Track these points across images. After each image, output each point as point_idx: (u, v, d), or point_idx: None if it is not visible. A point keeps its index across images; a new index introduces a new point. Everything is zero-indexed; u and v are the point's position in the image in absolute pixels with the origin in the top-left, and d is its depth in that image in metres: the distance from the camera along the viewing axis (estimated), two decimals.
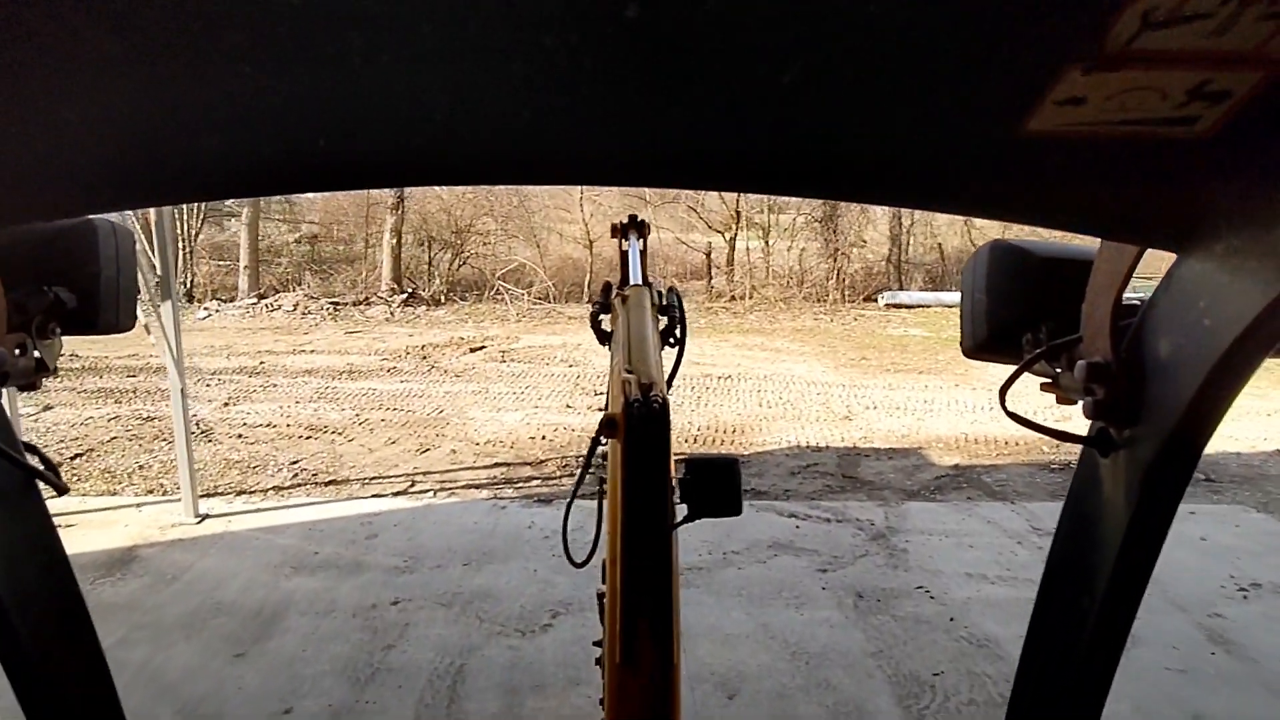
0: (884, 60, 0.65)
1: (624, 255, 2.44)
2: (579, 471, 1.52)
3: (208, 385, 12.35)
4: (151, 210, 6.98)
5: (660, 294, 2.04)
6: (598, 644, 1.57)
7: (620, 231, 2.59)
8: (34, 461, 1.21)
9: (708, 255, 23.07)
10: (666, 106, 0.72)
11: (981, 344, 1.15)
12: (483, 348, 15.85)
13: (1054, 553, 1.10)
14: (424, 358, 14.87)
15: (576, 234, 22.97)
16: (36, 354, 1.22)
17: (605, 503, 1.34)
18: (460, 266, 22.75)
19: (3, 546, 1.11)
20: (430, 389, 12.29)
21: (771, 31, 0.62)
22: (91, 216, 1.20)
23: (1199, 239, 0.83)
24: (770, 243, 23.33)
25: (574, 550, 1.70)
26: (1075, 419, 1.02)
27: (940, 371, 13.77)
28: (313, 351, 15.23)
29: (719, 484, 1.25)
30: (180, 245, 20.76)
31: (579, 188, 19.84)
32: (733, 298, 21.82)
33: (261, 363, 14.15)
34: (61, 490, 1.24)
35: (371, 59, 0.65)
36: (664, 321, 2.04)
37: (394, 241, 21.00)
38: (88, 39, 0.62)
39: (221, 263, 22.36)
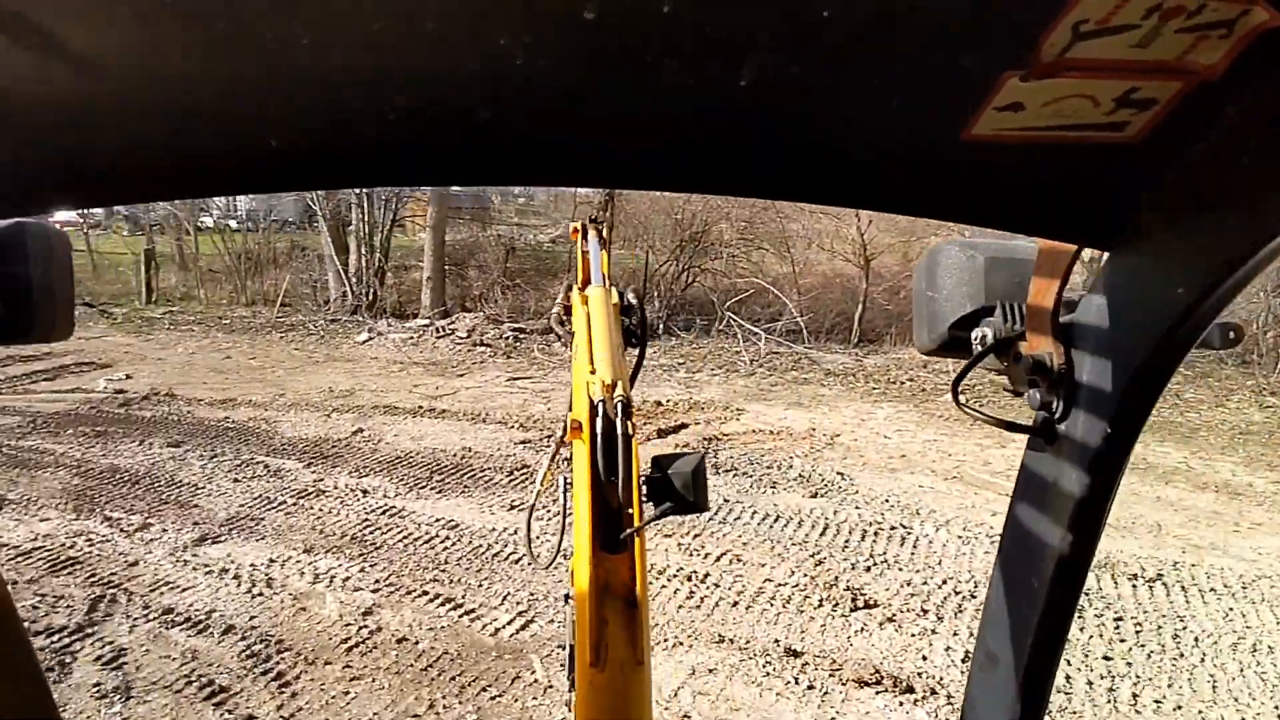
0: (835, 66, 0.67)
1: (585, 255, 2.32)
2: (541, 472, 1.49)
3: (237, 480, 7.96)
4: None
5: (622, 294, 2.01)
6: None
7: (581, 232, 2.51)
8: None
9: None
10: (624, 107, 0.73)
11: (936, 342, 1.17)
12: (679, 429, 10.07)
13: (1004, 538, 1.14)
14: None
15: (849, 245, 16.38)
16: None
17: (572, 503, 1.30)
18: (687, 286, 17.27)
19: None
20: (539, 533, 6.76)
21: (728, 35, 0.63)
22: (22, 219, 1.14)
23: (1130, 238, 0.87)
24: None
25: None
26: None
27: None
28: (443, 413, 10.55)
29: (686, 481, 1.22)
30: (360, 249, 17.61)
31: None
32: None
33: (358, 431, 9.67)
34: None
35: (321, 56, 0.63)
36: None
37: None
38: (5, 31, 0.59)
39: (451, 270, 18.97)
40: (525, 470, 8.37)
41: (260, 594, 5.77)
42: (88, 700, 4.62)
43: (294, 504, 7.40)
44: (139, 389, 11.44)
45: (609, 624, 1.12)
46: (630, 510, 1.17)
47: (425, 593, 5.78)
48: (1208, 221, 0.79)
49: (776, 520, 7.21)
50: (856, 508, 7.52)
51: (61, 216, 30.40)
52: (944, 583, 6.07)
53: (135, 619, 5.45)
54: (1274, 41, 0.63)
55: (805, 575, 6.16)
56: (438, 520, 7.03)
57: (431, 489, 7.80)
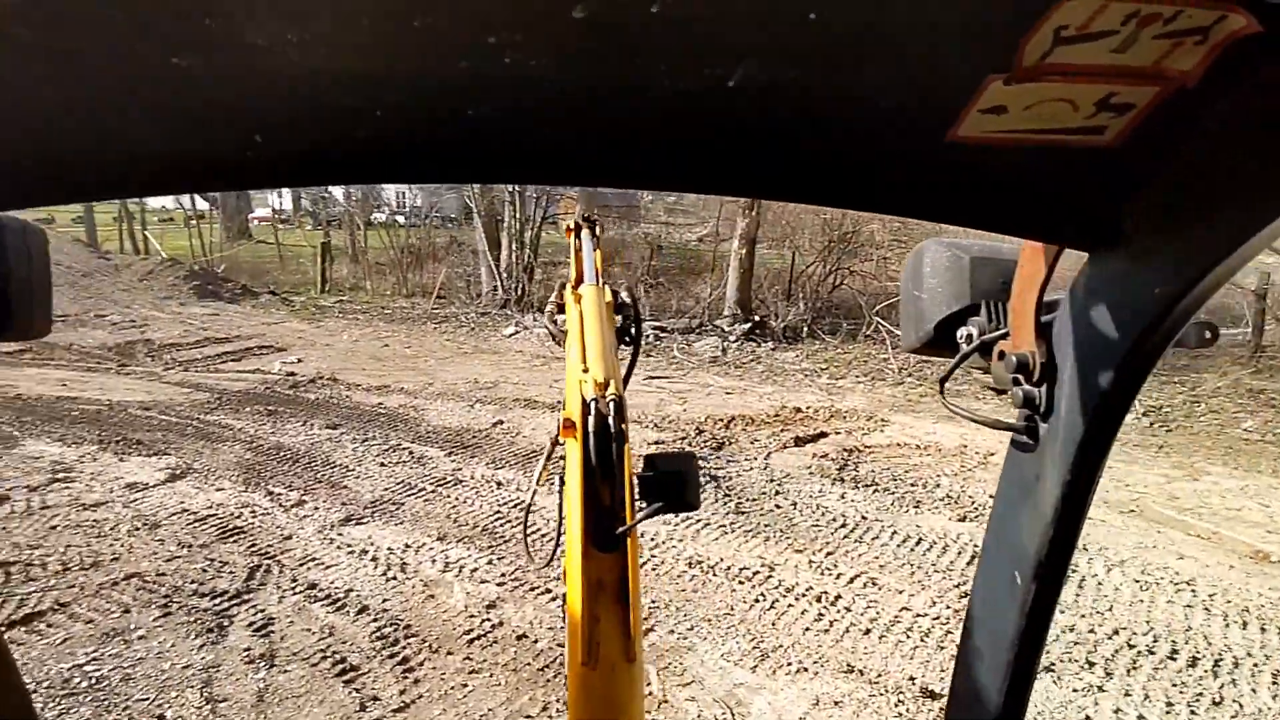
0: (819, 67, 0.68)
1: (578, 254, 2.28)
2: (537, 470, 1.58)
3: (383, 464, 8.38)
4: None
5: (615, 292, 1.99)
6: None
7: (574, 230, 2.47)
8: None
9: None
10: (612, 106, 0.73)
11: (922, 341, 1.18)
12: (819, 438, 9.63)
13: (988, 534, 1.15)
14: (718, 446, 9.26)
15: None
16: None
17: (565, 501, 1.31)
18: (834, 289, 16.61)
19: None
20: (667, 562, 6.60)
21: (714, 35, 0.63)
22: None
23: (1109, 240, 0.89)
24: None
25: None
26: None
27: None
28: None
29: (677, 480, 1.25)
30: (511, 245, 18.24)
31: None
32: None
33: (498, 423, 9.96)
34: None
35: (308, 54, 0.63)
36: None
37: (743, 253, 15.70)
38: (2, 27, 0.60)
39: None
40: None
41: (394, 578, 6.00)
42: (238, 664, 4.95)
43: (432, 491, 7.68)
44: (307, 372, 12.38)
45: (601, 622, 1.13)
46: (622, 509, 1.18)
47: (548, 591, 5.79)
48: (1185, 223, 0.80)
49: (918, 543, 6.67)
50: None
51: (260, 211, 33.45)
52: (1115, 633, 5.35)
53: (284, 590, 5.80)
54: (1249, 48, 0.62)
55: (948, 607, 5.63)
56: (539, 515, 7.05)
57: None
